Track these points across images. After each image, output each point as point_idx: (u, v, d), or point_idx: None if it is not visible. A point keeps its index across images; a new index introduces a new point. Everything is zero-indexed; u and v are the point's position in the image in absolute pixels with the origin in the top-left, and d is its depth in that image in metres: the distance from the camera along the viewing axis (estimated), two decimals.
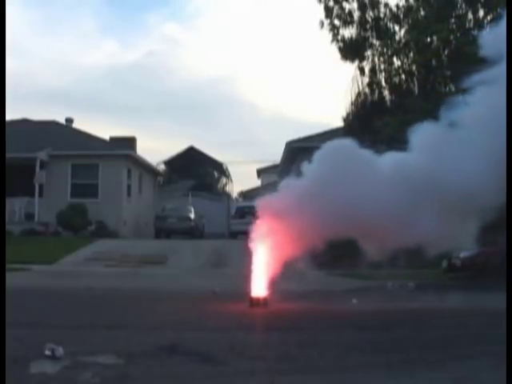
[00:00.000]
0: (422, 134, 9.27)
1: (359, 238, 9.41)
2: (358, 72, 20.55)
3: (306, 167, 9.75)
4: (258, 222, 9.54)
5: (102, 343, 5.96)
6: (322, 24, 20.34)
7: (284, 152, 26.27)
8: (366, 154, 9.72)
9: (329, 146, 9.93)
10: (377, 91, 20.37)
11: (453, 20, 19.42)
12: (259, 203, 9.83)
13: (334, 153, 9.76)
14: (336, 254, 13.37)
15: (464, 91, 9.65)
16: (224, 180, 49.63)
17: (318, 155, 9.77)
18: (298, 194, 9.34)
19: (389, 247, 9.09)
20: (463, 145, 8.86)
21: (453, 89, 19.02)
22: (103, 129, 70.97)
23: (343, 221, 8.85)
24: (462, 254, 12.73)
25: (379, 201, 8.78)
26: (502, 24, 9.36)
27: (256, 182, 44.83)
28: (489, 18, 19.20)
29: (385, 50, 20.03)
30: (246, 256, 9.52)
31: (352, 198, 8.83)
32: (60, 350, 5.14)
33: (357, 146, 9.83)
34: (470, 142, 8.79)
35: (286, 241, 9.08)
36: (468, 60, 17.35)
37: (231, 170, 46.74)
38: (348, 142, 10.04)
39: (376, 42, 20.33)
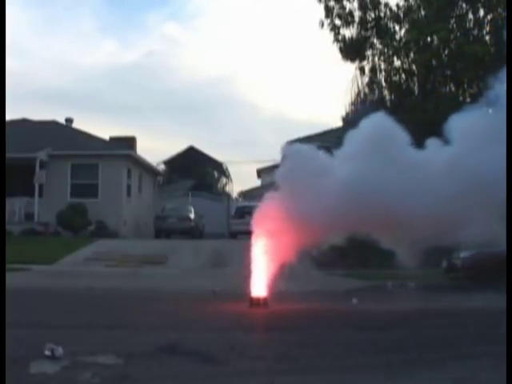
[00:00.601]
0: (464, 125, 8.34)
1: (392, 237, 8.53)
2: (358, 72, 20.60)
3: (338, 151, 8.49)
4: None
5: (101, 343, 5.96)
6: (322, 24, 20.40)
7: None
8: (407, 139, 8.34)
9: (366, 126, 8.44)
10: (377, 91, 20.40)
11: (453, 20, 19.45)
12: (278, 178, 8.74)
13: (373, 135, 8.21)
14: (343, 254, 13.27)
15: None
16: (224, 180, 49.59)
17: (352, 137, 8.46)
18: (325, 180, 8.29)
19: (421, 248, 8.38)
20: (501, 139, 8.04)
21: (453, 89, 19.08)
22: (103, 129, 70.91)
23: (376, 217, 8.00)
24: (462, 254, 12.69)
25: (425, 195, 7.95)
26: None
27: (256, 182, 44.82)
28: (489, 17, 19.23)
29: (385, 49, 20.06)
30: (246, 256, 9.51)
31: (391, 189, 7.94)
32: (60, 350, 5.13)
33: (399, 129, 8.36)
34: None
35: (290, 238, 8.69)
36: (468, 60, 17.43)
37: (231, 169, 46.71)
38: (389, 123, 8.46)
39: (376, 42, 20.36)
